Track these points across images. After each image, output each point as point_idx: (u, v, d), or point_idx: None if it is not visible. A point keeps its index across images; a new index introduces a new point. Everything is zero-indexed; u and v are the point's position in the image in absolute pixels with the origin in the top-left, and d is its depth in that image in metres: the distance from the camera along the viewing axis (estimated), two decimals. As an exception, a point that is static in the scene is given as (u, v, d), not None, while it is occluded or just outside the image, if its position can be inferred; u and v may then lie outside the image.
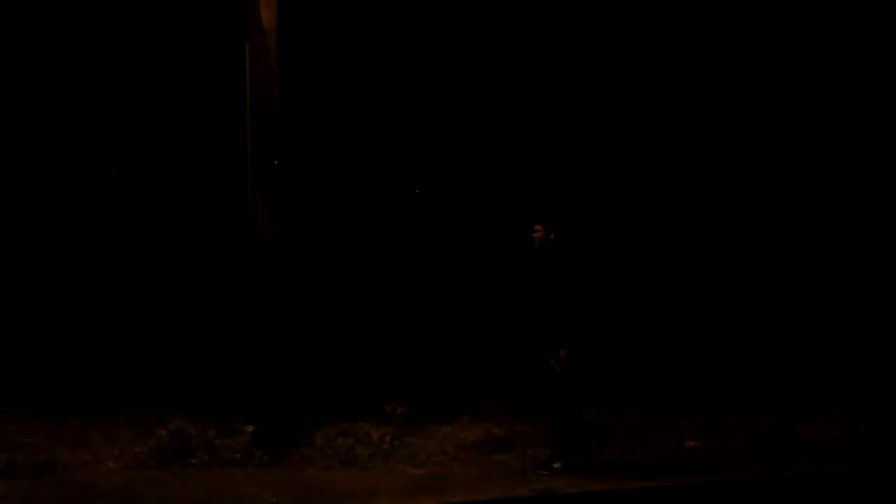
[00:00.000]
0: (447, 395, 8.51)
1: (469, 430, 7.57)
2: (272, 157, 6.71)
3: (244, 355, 6.91)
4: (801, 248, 14.06)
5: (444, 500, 5.69)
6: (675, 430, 7.91)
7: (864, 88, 14.63)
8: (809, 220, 14.49)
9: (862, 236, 14.36)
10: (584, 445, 6.58)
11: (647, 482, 6.43)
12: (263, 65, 6.59)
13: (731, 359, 11.60)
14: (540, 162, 14.32)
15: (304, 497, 5.66)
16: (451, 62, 13.79)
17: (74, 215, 12.46)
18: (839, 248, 14.17)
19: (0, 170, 12.23)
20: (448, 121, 13.70)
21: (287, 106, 6.86)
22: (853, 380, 10.13)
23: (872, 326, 12.39)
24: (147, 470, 6.34)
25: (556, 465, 6.51)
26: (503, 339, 10.54)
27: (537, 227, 6.93)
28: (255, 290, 6.90)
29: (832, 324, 12.34)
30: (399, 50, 13.20)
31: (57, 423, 7.42)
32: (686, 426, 8.01)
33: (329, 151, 11.68)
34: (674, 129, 14.51)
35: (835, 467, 6.93)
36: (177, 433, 6.58)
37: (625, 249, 12.34)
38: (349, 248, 10.74)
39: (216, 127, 10.09)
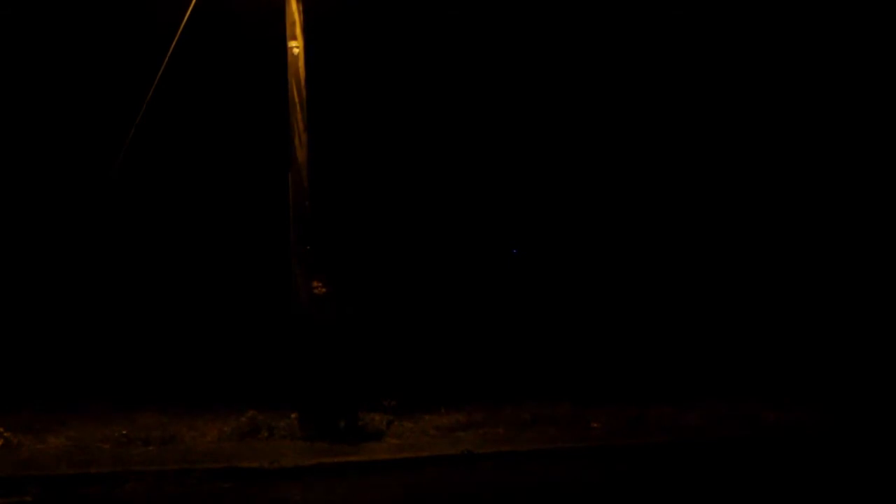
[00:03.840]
0: (433, 392, 12.12)
1: (444, 418, 11.17)
2: (305, 239, 10.38)
3: (290, 369, 10.53)
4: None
5: (401, 454, 9.33)
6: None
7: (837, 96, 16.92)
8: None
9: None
10: None
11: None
12: (298, 186, 10.28)
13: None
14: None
15: (321, 453, 9.37)
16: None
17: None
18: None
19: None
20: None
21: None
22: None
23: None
24: (231, 442, 10.06)
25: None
26: (474, 353, 14.22)
27: None
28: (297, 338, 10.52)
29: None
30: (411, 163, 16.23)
31: (168, 414, 11.23)
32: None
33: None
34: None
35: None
36: (250, 419, 10.32)
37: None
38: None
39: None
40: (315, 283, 10.18)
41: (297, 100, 10.40)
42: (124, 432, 10.14)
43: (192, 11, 10.32)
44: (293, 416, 10.39)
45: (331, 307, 10.23)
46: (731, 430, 10.55)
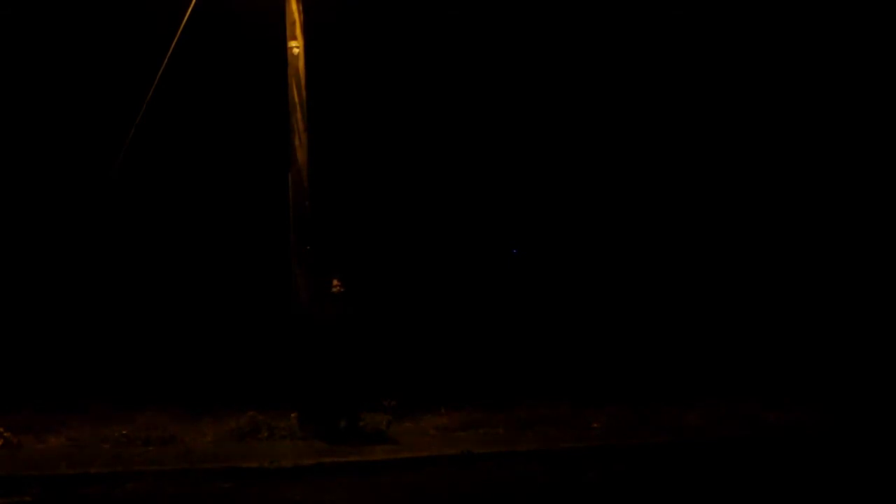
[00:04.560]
0: (433, 392, 12.12)
1: (444, 418, 11.18)
2: (305, 239, 10.39)
3: (290, 369, 10.53)
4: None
5: (401, 454, 9.34)
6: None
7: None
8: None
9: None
10: None
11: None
12: (298, 187, 10.28)
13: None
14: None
15: (322, 453, 9.40)
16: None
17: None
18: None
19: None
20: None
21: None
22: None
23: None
24: (231, 442, 10.08)
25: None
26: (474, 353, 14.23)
27: None
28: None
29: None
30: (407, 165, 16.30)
31: (168, 414, 11.23)
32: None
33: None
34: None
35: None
36: (250, 419, 10.32)
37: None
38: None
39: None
40: (335, 283, 10.17)
41: (297, 100, 10.40)
42: (124, 432, 10.16)
43: (192, 11, 10.29)
44: (293, 416, 10.39)
45: (332, 307, 10.23)
46: (731, 430, 10.55)
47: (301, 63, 10.47)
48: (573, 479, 8.80)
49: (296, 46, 10.44)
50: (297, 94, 10.40)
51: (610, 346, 15.58)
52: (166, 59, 10.45)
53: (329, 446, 9.75)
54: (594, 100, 17.47)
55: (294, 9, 10.45)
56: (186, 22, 10.31)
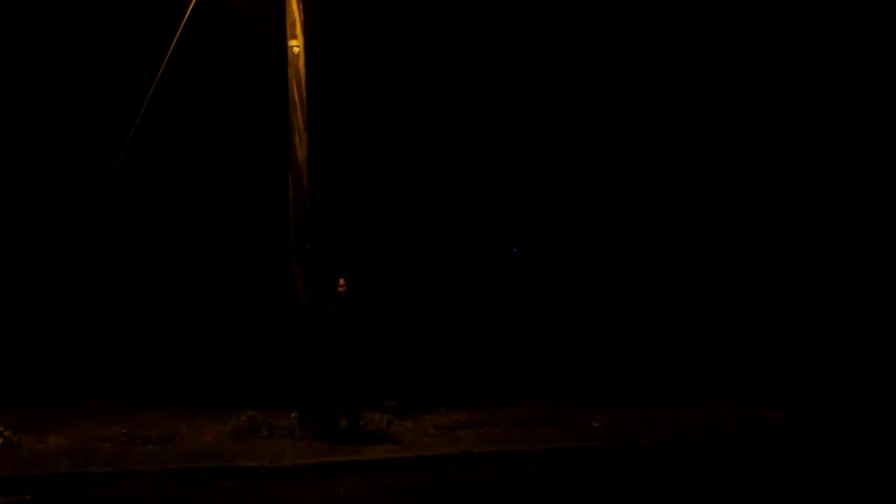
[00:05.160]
0: (433, 392, 12.13)
1: (444, 417, 11.19)
2: (305, 239, 10.40)
3: (291, 369, 10.53)
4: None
5: (401, 453, 9.35)
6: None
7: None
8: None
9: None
10: None
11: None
12: (298, 186, 10.29)
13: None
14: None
15: (322, 452, 9.40)
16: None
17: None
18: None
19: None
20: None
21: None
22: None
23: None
24: (231, 441, 10.08)
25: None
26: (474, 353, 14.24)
27: None
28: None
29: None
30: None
31: (168, 413, 11.25)
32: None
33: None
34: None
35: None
36: (250, 418, 10.33)
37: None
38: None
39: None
40: (341, 282, 10.14)
41: (297, 99, 10.40)
42: (124, 431, 10.17)
43: (191, 11, 10.29)
44: (293, 415, 10.39)
45: (332, 306, 10.22)
46: (731, 430, 10.56)
47: (301, 62, 10.46)
48: (573, 478, 8.80)
49: (296, 46, 10.44)
50: (297, 93, 10.40)
51: (610, 346, 15.61)
52: (167, 59, 10.41)
53: (329, 445, 9.75)
54: (594, 100, 17.49)
55: (294, 8, 10.45)
56: (186, 21, 10.29)
